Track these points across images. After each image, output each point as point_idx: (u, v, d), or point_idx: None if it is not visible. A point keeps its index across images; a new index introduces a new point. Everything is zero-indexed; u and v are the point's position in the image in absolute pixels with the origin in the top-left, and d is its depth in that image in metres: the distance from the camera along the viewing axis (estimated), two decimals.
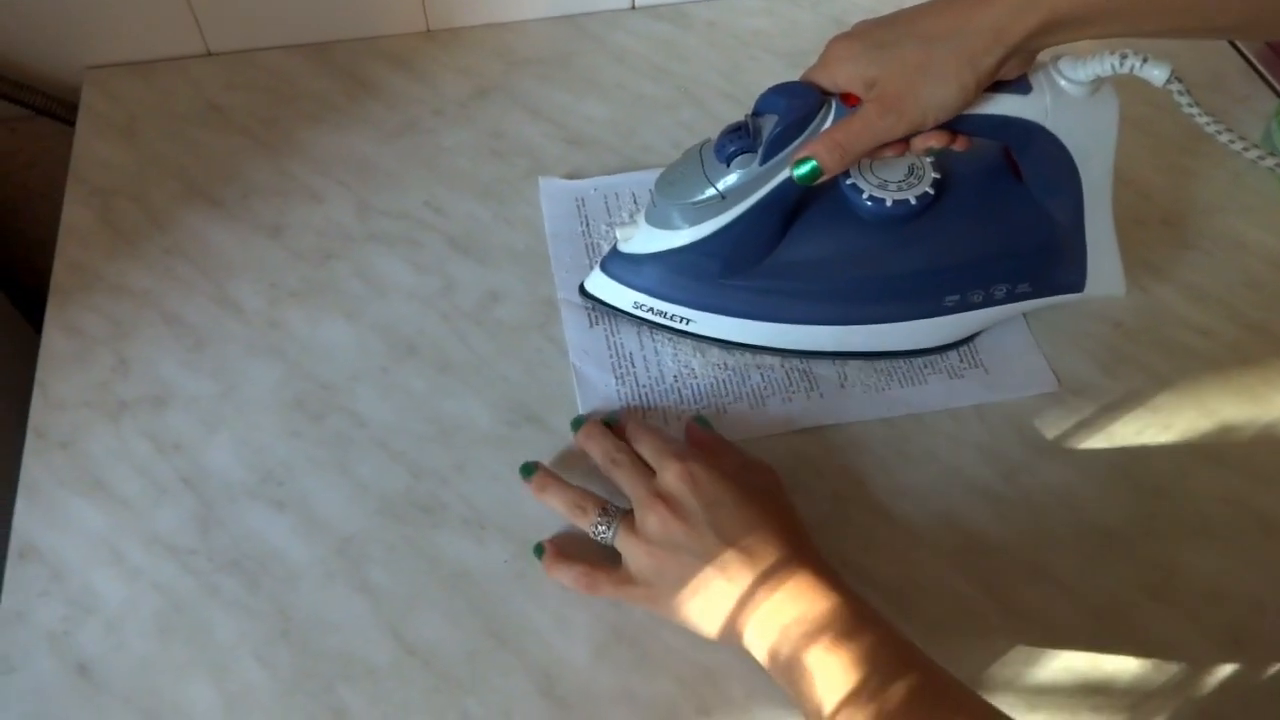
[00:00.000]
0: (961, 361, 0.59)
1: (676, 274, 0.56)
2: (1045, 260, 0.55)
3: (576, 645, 0.49)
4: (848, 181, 0.54)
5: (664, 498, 0.48)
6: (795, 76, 0.52)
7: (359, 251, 0.63)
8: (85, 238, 0.63)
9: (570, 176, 0.67)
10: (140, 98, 0.71)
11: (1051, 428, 0.57)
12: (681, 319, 0.57)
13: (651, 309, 0.57)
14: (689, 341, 0.59)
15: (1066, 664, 0.48)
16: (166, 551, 0.51)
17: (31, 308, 0.80)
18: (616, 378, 0.58)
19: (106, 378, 0.57)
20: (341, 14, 0.74)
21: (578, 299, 0.61)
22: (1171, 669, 0.48)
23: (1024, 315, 0.60)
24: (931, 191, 0.54)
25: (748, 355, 0.58)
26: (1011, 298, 0.56)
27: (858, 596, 0.44)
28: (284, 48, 0.75)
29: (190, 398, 0.56)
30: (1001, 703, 0.47)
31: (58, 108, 0.73)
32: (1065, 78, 0.49)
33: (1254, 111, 0.74)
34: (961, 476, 0.55)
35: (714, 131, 0.56)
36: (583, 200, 0.66)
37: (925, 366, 0.58)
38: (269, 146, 0.69)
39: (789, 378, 0.58)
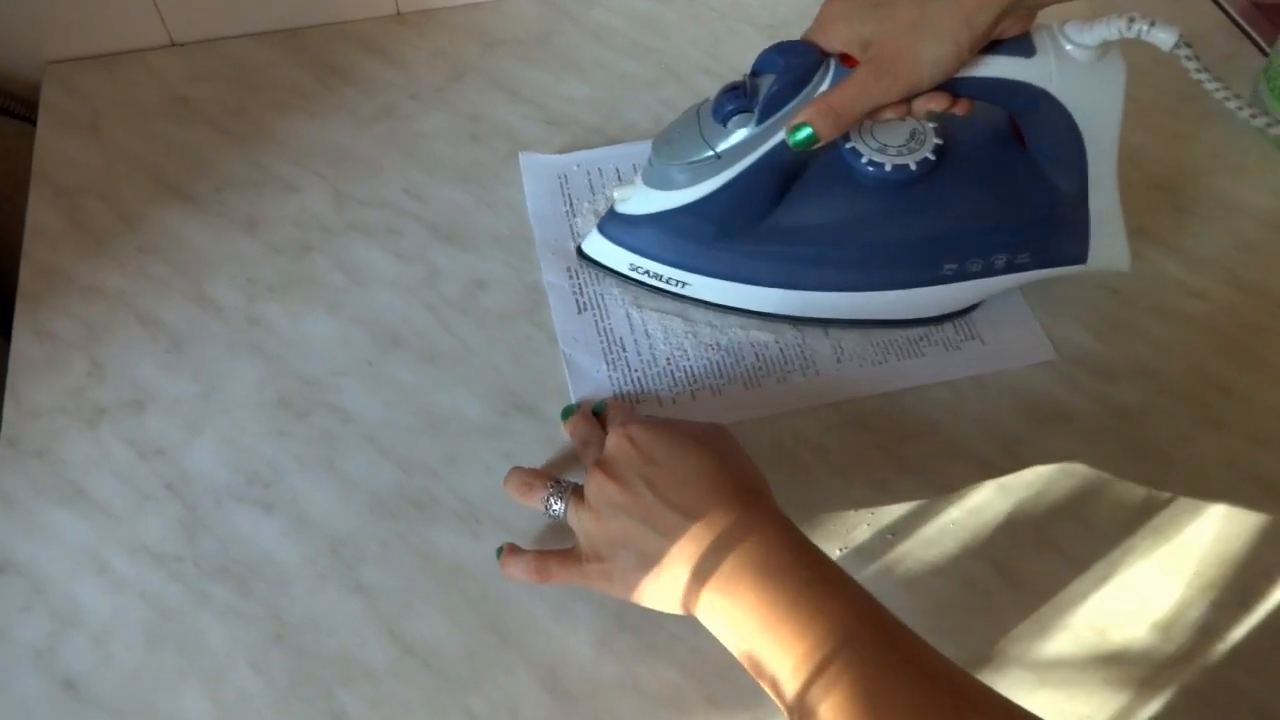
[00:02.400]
0: (958, 333, 0.58)
1: (673, 235, 0.55)
2: (1047, 231, 0.54)
3: (579, 637, 0.48)
4: (847, 145, 0.53)
5: (602, 463, 0.46)
6: None
7: (338, 243, 0.61)
8: (53, 239, 0.61)
9: None
10: (103, 92, 0.69)
11: (1050, 397, 0.56)
12: (677, 282, 0.56)
13: (648, 271, 0.56)
14: (681, 323, 0.58)
15: (1075, 636, 0.48)
16: (152, 560, 0.49)
17: None
18: (608, 363, 0.56)
19: (81, 383, 0.55)
20: None
21: (565, 283, 0.59)
22: (1180, 638, 0.48)
23: (1021, 286, 0.60)
24: (933, 157, 0.53)
25: (741, 334, 0.57)
26: (1011, 268, 0.55)
27: (814, 552, 0.42)
28: (250, 36, 0.73)
29: (170, 400, 0.55)
30: (1011, 677, 0.47)
31: (17, 105, 0.71)
32: (1071, 41, 0.48)
33: (1239, 69, 0.73)
34: (962, 449, 0.54)
35: None
36: (565, 177, 0.65)
37: (921, 339, 0.58)
38: (240, 138, 0.66)
39: (784, 356, 0.57)
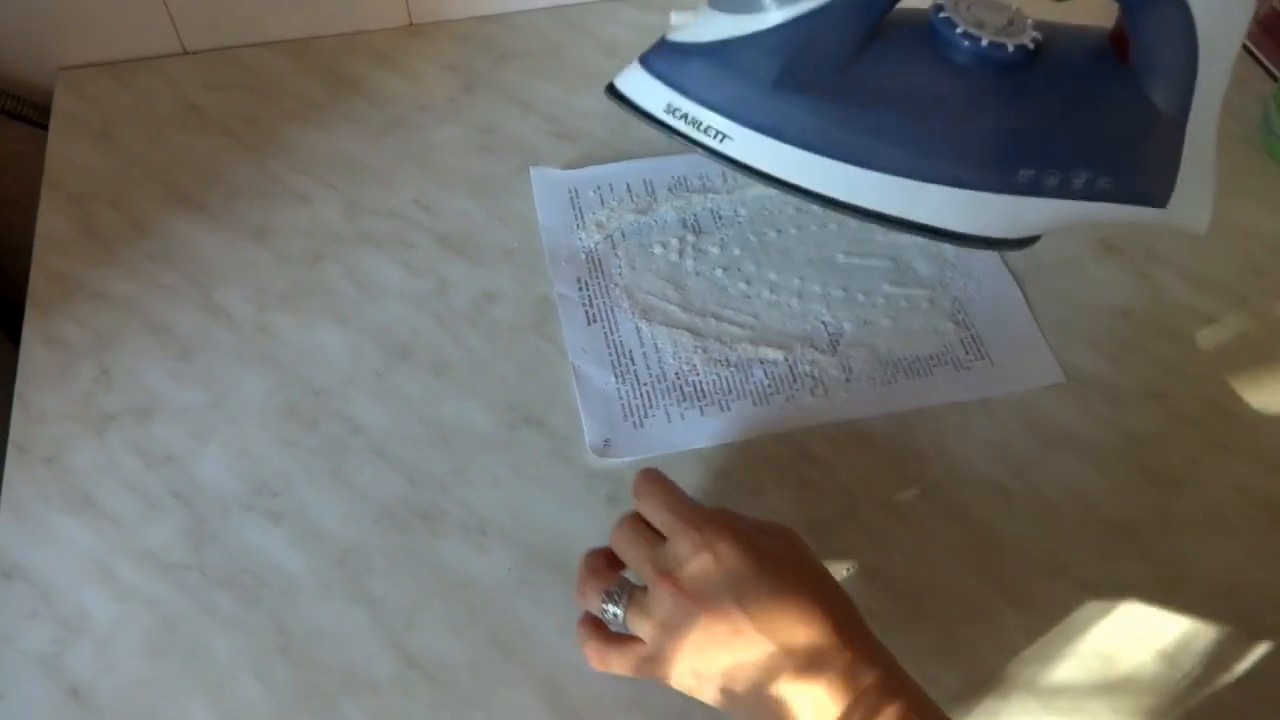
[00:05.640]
0: (967, 354, 0.58)
1: (728, 72, 0.49)
2: (1136, 155, 0.50)
3: (584, 653, 0.47)
4: (941, 14, 0.49)
5: (676, 578, 0.41)
6: None
7: (349, 253, 0.61)
8: (63, 245, 0.61)
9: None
10: (115, 99, 0.69)
11: (1059, 420, 0.56)
12: (717, 133, 0.50)
13: (686, 115, 0.50)
14: (690, 338, 0.57)
15: (1082, 662, 0.48)
16: (158, 568, 0.49)
17: (4, 318, 0.78)
18: (616, 376, 0.56)
19: (90, 389, 0.55)
20: (321, 9, 0.72)
21: (575, 295, 0.59)
22: (1187, 664, 0.48)
23: (1028, 305, 0.60)
24: (1030, 46, 0.49)
25: (751, 351, 0.57)
26: (1090, 193, 0.50)
27: (922, 697, 0.39)
28: (263, 45, 0.73)
29: (178, 408, 0.55)
30: (1016, 703, 0.47)
31: (29, 110, 0.71)
32: None
33: (1249, 94, 0.73)
34: (971, 471, 0.54)
35: None
36: (576, 192, 0.65)
37: (930, 359, 0.58)
38: (252, 147, 0.67)
39: (793, 374, 0.57)
